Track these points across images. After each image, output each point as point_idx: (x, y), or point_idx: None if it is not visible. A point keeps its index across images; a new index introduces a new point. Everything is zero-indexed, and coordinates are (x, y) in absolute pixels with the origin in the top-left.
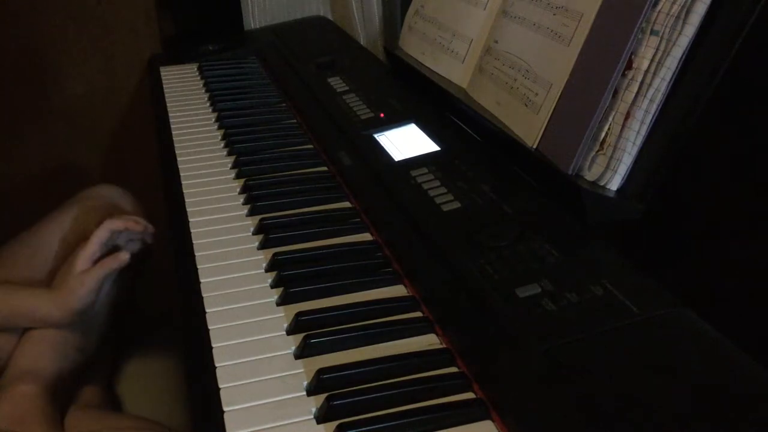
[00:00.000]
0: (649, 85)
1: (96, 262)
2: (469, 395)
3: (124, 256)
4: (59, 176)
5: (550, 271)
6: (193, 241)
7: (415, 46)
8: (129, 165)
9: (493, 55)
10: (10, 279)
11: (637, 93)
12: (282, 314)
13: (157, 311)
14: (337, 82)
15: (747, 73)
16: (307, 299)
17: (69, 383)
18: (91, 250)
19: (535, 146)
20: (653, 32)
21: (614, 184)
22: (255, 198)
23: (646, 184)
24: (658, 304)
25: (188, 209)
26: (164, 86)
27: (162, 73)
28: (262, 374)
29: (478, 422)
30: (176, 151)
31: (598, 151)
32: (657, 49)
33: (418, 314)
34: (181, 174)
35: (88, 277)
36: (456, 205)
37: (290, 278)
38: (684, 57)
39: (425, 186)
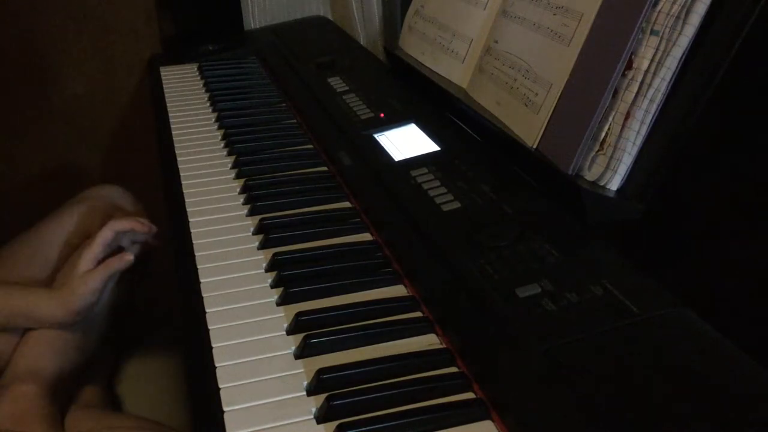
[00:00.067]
0: (649, 85)
1: (99, 262)
2: (469, 395)
3: (128, 257)
4: (59, 176)
5: (550, 271)
6: (193, 241)
7: (415, 46)
8: (129, 165)
9: (493, 55)
10: (10, 279)
11: (637, 93)
12: (282, 314)
13: (158, 311)
14: (337, 82)
15: (747, 73)
16: (307, 299)
17: (69, 383)
18: (96, 250)
19: (535, 146)
20: (653, 32)
21: (614, 184)
22: (255, 198)
23: (646, 184)
24: (658, 304)
25: (188, 209)
26: (164, 86)
27: (162, 73)
28: (262, 374)
29: (478, 422)
30: (176, 151)
31: (598, 151)
32: (657, 49)
33: (418, 314)
34: (181, 174)
35: (92, 277)
36: (456, 205)
37: (290, 278)
38: (684, 57)
39: (425, 186)
